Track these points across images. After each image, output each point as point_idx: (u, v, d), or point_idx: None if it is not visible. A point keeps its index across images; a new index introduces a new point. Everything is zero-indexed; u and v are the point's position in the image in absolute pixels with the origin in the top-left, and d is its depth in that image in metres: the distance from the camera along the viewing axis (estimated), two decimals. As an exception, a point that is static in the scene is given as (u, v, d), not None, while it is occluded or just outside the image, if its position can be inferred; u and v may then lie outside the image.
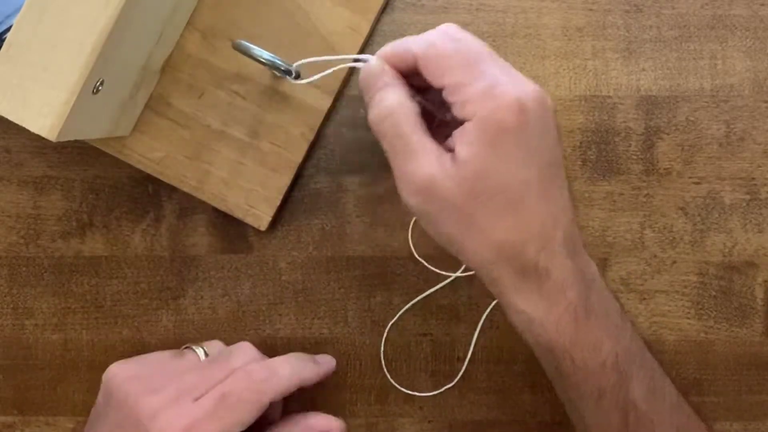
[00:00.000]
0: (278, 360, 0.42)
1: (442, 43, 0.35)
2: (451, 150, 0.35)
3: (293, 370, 0.42)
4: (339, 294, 0.48)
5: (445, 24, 0.37)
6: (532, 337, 0.36)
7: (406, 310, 0.48)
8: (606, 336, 0.36)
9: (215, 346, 0.45)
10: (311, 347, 0.48)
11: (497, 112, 0.34)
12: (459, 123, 0.35)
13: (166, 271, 0.49)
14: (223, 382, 0.40)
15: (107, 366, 0.49)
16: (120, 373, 0.42)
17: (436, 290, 0.48)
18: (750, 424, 0.48)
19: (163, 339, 0.49)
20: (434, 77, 0.35)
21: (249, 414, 0.39)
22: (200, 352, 0.44)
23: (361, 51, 0.47)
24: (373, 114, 0.36)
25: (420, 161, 0.35)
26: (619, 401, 0.36)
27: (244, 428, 0.39)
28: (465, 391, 0.49)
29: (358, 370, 0.48)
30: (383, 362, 0.48)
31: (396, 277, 0.48)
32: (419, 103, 0.37)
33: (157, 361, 0.43)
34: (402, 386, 0.48)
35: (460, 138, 0.34)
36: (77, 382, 0.49)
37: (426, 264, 0.48)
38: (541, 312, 0.35)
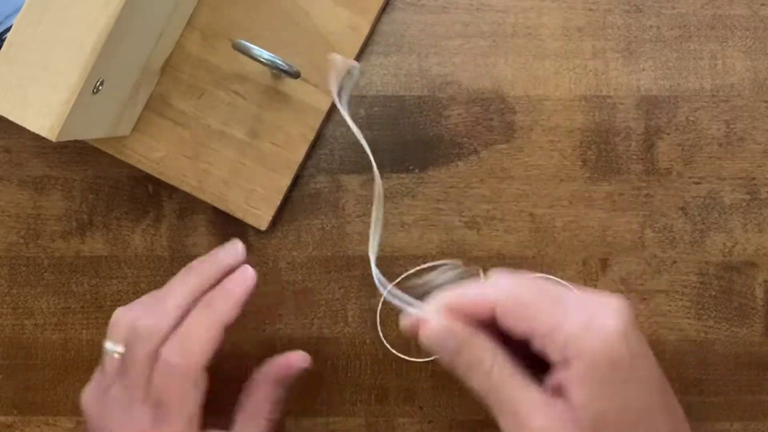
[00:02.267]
0: (185, 325, 0.40)
1: (520, 289, 0.34)
2: (551, 388, 0.33)
3: (205, 324, 0.40)
4: (339, 294, 0.48)
5: (501, 277, 0.35)
6: None
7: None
8: None
9: (121, 326, 0.42)
10: (311, 347, 0.48)
11: (604, 346, 0.32)
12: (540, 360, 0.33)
13: (166, 271, 0.49)
14: (150, 385, 0.39)
15: (107, 366, 0.49)
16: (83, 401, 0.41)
17: (437, 291, 0.48)
18: (750, 424, 0.48)
19: (163, 339, 0.49)
20: (520, 324, 0.33)
21: (194, 394, 0.39)
22: (110, 348, 0.41)
23: (361, 51, 0.47)
24: (469, 380, 0.34)
25: (531, 416, 0.33)
26: None
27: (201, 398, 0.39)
28: (465, 391, 0.48)
29: (358, 370, 0.48)
30: (382, 337, 0.48)
31: (396, 278, 0.48)
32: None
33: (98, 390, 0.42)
34: (401, 386, 0.48)
35: (569, 381, 0.32)
36: (77, 382, 0.49)
37: (392, 349, 0.47)
38: None
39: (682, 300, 0.48)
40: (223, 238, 0.48)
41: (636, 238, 0.48)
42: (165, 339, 0.40)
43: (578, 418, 0.32)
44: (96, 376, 0.42)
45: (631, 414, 0.33)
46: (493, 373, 0.34)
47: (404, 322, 0.35)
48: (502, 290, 0.34)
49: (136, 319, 0.40)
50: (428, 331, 0.34)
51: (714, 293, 0.48)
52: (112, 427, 0.40)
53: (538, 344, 0.33)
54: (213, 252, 0.44)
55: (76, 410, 0.49)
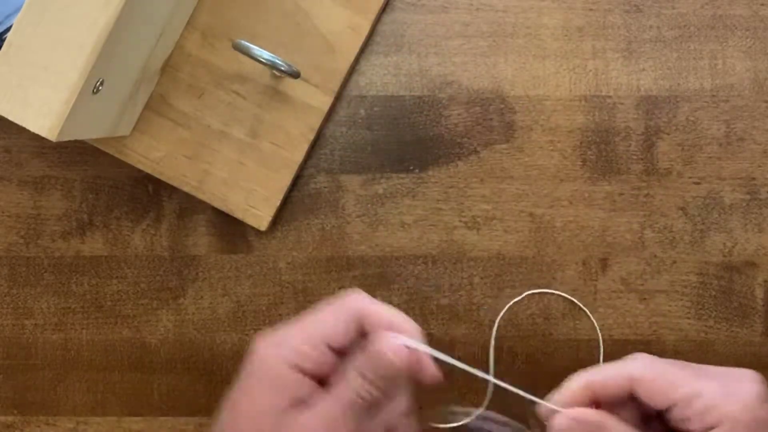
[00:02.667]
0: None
1: (656, 362, 0.35)
2: None
3: (391, 308, 0.37)
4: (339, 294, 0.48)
5: (636, 356, 0.36)
6: None
7: (406, 310, 0.48)
8: None
9: None
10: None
11: (744, 409, 0.34)
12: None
13: (166, 271, 0.49)
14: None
15: (107, 366, 0.49)
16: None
17: (437, 291, 0.48)
18: (750, 424, 0.48)
19: (163, 339, 0.49)
20: (659, 396, 0.35)
21: (330, 317, 0.36)
22: None
23: (361, 51, 0.47)
24: None
25: None
26: None
27: (328, 337, 0.36)
28: (465, 391, 0.49)
29: (358, 370, 0.48)
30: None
31: (396, 277, 0.48)
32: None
33: None
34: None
35: None
36: (77, 382, 0.49)
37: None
38: None
39: (682, 300, 0.48)
40: (223, 238, 0.48)
41: (636, 238, 0.48)
42: None
43: None
44: None
45: None
46: None
47: (541, 411, 0.37)
48: (639, 364, 0.35)
49: None
50: (557, 424, 0.35)
51: (714, 293, 0.48)
52: None
53: (677, 415, 0.34)
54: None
55: (76, 410, 0.49)
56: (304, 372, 0.36)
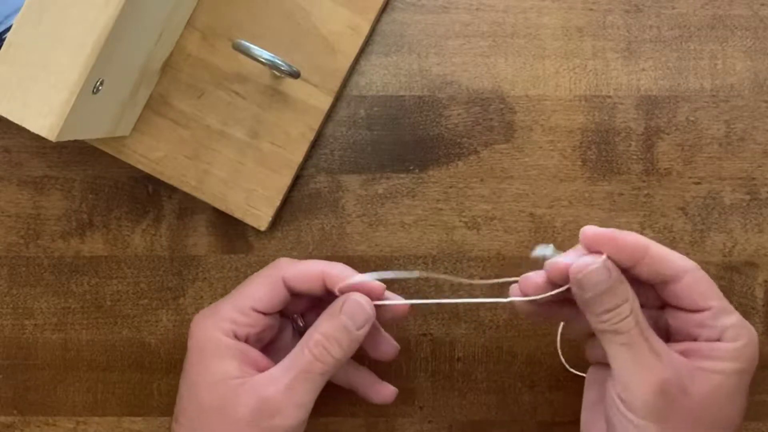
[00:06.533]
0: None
1: (699, 269, 0.37)
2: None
3: (316, 262, 0.41)
4: (339, 294, 0.48)
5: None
6: None
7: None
8: None
9: None
10: (311, 347, 0.48)
11: (752, 346, 0.36)
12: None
13: (166, 271, 0.49)
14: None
15: (107, 366, 0.49)
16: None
17: (437, 291, 0.48)
18: (750, 424, 0.48)
19: (163, 339, 0.49)
20: (699, 299, 0.37)
21: (260, 287, 0.40)
22: None
23: (361, 51, 0.47)
24: (607, 318, 0.36)
25: (661, 361, 0.35)
26: None
27: (258, 304, 0.40)
28: (465, 391, 0.49)
29: (358, 370, 0.48)
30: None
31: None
32: None
33: None
34: (401, 386, 0.48)
35: (714, 352, 0.36)
36: (77, 382, 0.49)
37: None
38: None
39: (682, 300, 0.48)
40: (223, 238, 0.48)
41: (636, 238, 0.48)
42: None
43: (696, 387, 0.35)
44: None
45: (727, 416, 0.36)
46: (634, 315, 0.36)
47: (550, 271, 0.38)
48: (690, 262, 0.37)
49: None
50: (594, 266, 0.36)
51: (714, 293, 0.48)
52: None
53: (699, 319, 0.37)
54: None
55: (76, 410, 0.49)
56: (239, 338, 0.40)
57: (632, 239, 0.37)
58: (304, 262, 0.41)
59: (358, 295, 0.39)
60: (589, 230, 0.37)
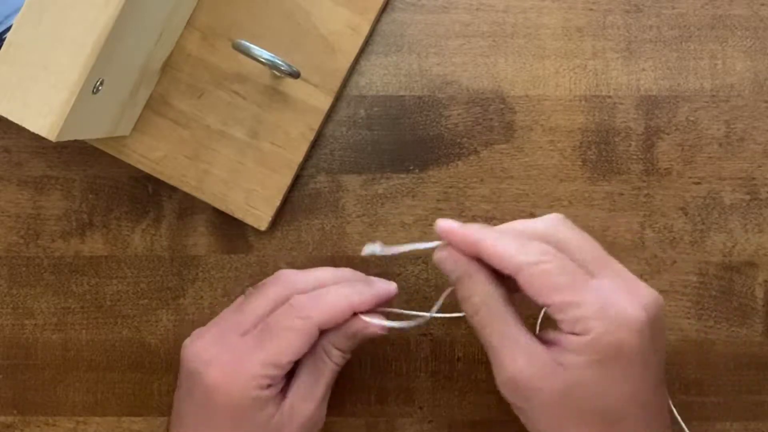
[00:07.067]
0: (324, 289, 0.41)
1: (546, 261, 0.34)
2: (546, 340, 0.35)
3: (339, 294, 0.41)
4: (339, 294, 0.48)
5: (551, 220, 0.37)
6: None
7: (407, 310, 0.48)
8: None
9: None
10: (311, 347, 0.48)
11: (614, 333, 0.33)
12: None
13: (166, 271, 0.49)
14: (264, 319, 0.40)
15: (107, 366, 0.49)
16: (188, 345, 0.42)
17: (437, 291, 0.48)
18: (750, 424, 0.48)
19: (163, 339, 0.49)
20: (539, 295, 0.34)
21: (295, 341, 0.39)
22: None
23: (361, 51, 0.47)
24: (464, 308, 0.37)
25: (511, 356, 0.35)
26: None
27: (295, 357, 0.40)
28: (465, 391, 0.49)
29: (358, 371, 0.48)
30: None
31: (396, 277, 0.48)
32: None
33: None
34: (401, 386, 0.48)
35: (568, 345, 0.34)
36: (77, 382, 0.49)
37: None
38: None
39: (682, 300, 0.48)
40: (223, 238, 0.48)
41: (636, 238, 0.48)
42: (299, 292, 0.41)
43: (558, 378, 0.34)
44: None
45: (612, 401, 0.34)
46: (483, 309, 0.35)
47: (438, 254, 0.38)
48: (530, 256, 0.35)
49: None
50: (436, 255, 0.37)
51: (714, 293, 0.48)
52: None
53: (551, 312, 0.35)
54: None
55: (76, 410, 0.49)
56: (273, 384, 0.40)
57: (462, 234, 0.36)
58: (309, 273, 0.43)
59: (376, 323, 0.41)
60: (438, 224, 0.37)
